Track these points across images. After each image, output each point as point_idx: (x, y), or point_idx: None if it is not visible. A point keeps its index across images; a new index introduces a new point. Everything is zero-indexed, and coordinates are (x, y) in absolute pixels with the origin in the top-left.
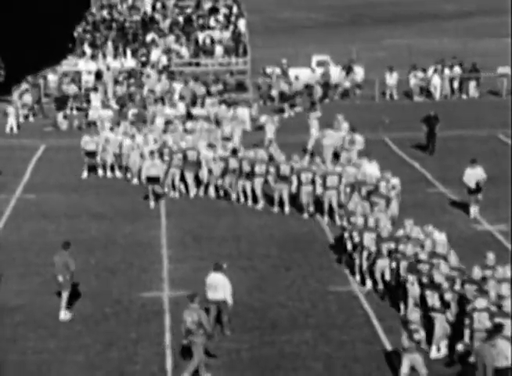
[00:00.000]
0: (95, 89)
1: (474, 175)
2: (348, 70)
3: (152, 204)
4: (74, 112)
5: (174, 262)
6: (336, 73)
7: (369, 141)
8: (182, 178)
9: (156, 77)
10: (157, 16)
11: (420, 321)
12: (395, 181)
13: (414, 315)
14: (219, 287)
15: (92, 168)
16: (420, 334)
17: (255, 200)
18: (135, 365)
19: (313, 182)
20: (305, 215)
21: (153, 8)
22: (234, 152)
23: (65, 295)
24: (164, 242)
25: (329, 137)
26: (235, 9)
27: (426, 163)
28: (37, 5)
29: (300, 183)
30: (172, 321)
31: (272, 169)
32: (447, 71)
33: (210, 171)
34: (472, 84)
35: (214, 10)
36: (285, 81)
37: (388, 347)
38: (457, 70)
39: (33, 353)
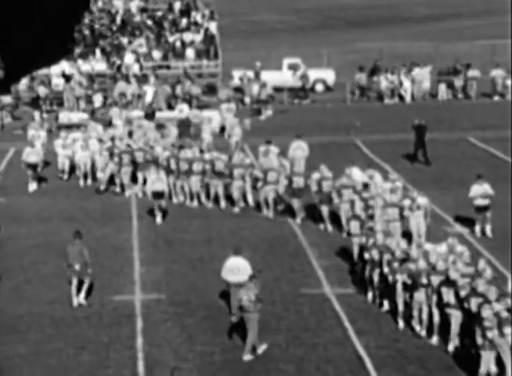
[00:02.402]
0: (104, 90)
1: (481, 191)
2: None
3: (158, 219)
4: (45, 115)
5: (145, 265)
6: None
7: (340, 144)
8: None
9: (128, 80)
10: (129, 19)
11: (494, 318)
12: (422, 201)
13: (487, 312)
14: (241, 269)
15: (41, 179)
16: (494, 332)
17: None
18: (107, 369)
19: (253, 179)
20: (236, 209)
21: (125, 10)
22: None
23: (87, 281)
24: (135, 245)
25: (301, 149)
26: (206, 12)
27: (397, 166)
28: None
29: (232, 178)
30: (144, 324)
31: (207, 166)
32: (419, 75)
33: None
34: (442, 87)
35: (185, 13)
36: (258, 83)
37: (360, 349)
38: (426, 71)
39: (4, 358)
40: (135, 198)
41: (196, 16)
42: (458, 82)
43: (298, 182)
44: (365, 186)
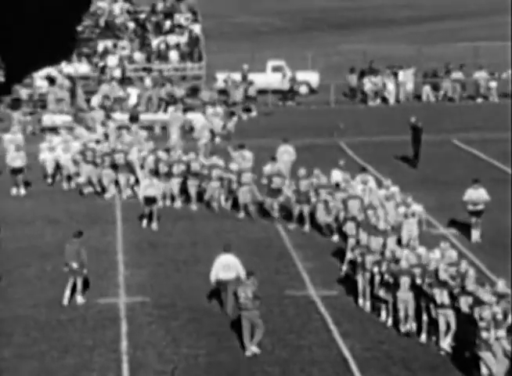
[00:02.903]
0: (89, 93)
1: (476, 195)
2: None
3: (144, 222)
4: (28, 117)
5: (130, 268)
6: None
7: (324, 146)
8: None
9: (111, 82)
10: (112, 21)
11: (491, 320)
12: (417, 207)
13: (486, 312)
14: (232, 266)
15: (26, 184)
16: (489, 333)
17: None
18: (92, 372)
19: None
20: (215, 208)
21: (109, 12)
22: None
23: (79, 281)
24: (119, 248)
25: (288, 153)
26: (190, 14)
27: (380, 167)
28: None
29: (210, 179)
30: (128, 327)
31: (183, 167)
32: (401, 76)
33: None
34: (427, 89)
35: (169, 15)
36: (245, 86)
37: (345, 351)
38: (409, 73)
39: None
40: (120, 201)
41: (180, 19)
42: (446, 84)
43: (277, 182)
44: (337, 185)
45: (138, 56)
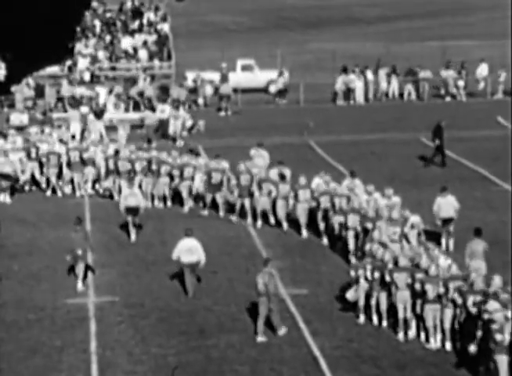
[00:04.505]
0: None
1: (445, 204)
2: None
3: (133, 237)
4: None
5: (99, 268)
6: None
7: (293, 145)
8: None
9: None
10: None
11: (504, 321)
12: (415, 219)
13: (498, 314)
14: (193, 250)
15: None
16: (504, 336)
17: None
18: (60, 372)
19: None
20: (185, 209)
21: None
22: (116, 153)
23: (81, 267)
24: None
25: (262, 158)
26: (159, 13)
27: (351, 166)
28: None
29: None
30: (97, 327)
31: (154, 166)
32: (370, 75)
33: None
34: (409, 87)
35: (137, 14)
36: (226, 84)
37: (315, 350)
38: (382, 73)
39: None
40: (88, 200)
41: (149, 17)
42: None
43: (216, 177)
44: (282, 177)
45: (106, 55)
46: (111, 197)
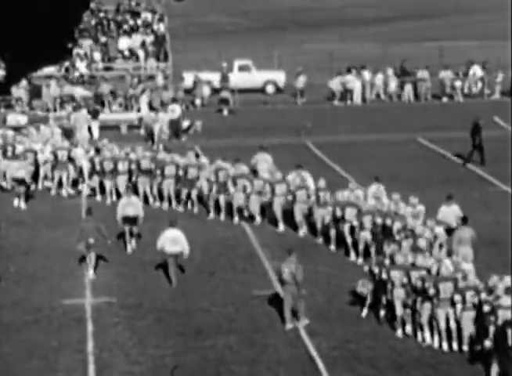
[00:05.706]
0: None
1: (450, 213)
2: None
3: (129, 247)
4: None
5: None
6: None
7: (290, 145)
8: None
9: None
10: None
11: None
12: (439, 230)
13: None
14: (177, 240)
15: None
16: None
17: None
18: (57, 373)
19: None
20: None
21: None
22: (98, 151)
23: (93, 255)
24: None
25: (266, 162)
26: (156, 14)
27: (348, 167)
28: None
29: (163, 177)
30: (94, 328)
31: (133, 166)
32: (367, 76)
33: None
34: (408, 88)
35: (135, 14)
36: (225, 86)
37: (312, 350)
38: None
39: None
40: (85, 201)
41: (146, 18)
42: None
43: (192, 173)
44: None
45: (101, 55)
46: (93, 195)
